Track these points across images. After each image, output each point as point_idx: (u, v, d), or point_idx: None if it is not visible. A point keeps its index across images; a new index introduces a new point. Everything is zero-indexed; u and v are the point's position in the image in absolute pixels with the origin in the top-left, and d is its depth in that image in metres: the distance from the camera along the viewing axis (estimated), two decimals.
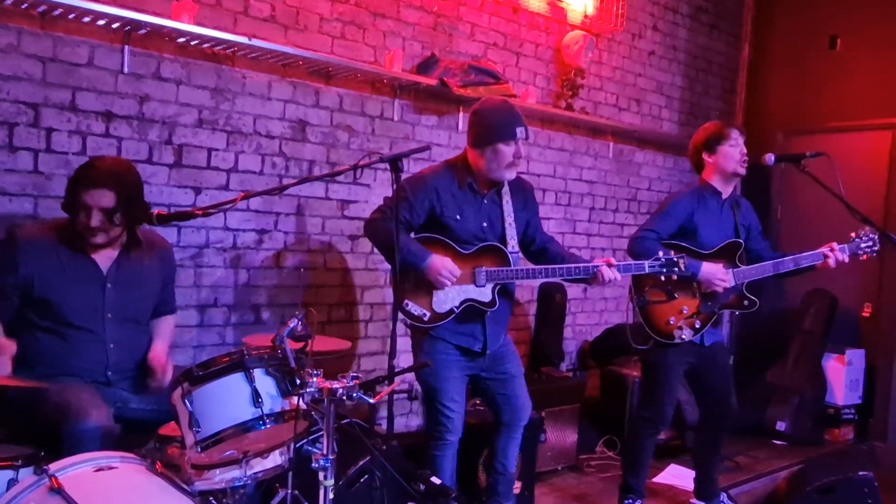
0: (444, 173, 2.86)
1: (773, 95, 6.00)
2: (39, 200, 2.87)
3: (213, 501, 2.16)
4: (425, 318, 2.78)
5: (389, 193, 2.57)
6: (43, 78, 2.86)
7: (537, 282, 4.64)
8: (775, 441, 5.05)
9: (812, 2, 5.80)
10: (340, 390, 1.92)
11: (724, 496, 3.64)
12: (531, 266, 2.94)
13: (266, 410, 1.97)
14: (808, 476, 3.59)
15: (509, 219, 2.89)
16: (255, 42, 3.21)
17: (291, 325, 2.02)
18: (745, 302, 3.31)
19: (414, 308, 2.78)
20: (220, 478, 2.07)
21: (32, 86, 2.84)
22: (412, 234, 2.83)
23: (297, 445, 2.14)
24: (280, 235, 3.54)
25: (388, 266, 3.68)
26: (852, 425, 5.28)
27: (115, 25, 2.94)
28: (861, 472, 3.41)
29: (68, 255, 2.49)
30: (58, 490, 1.77)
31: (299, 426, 2.02)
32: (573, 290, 4.87)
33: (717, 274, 3.18)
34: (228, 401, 1.98)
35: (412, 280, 2.76)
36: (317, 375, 1.96)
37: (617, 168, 5.22)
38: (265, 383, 2.01)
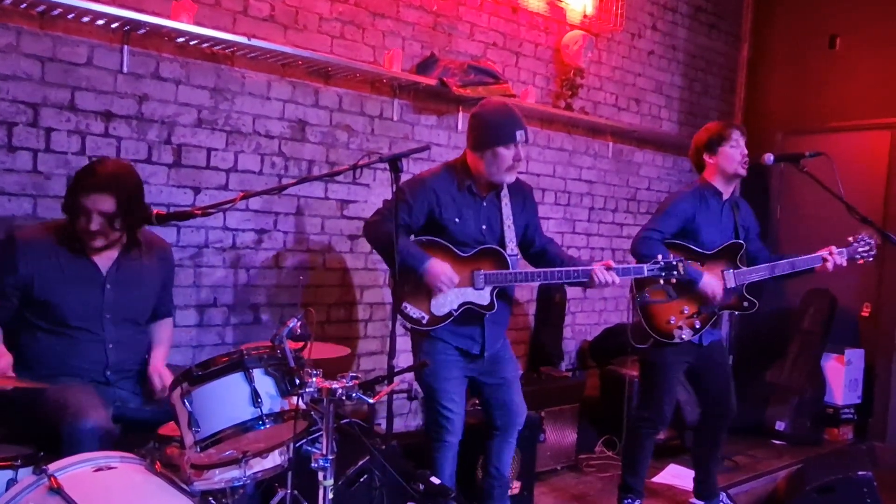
0: (443, 175, 2.86)
1: (772, 95, 6.00)
2: (39, 200, 2.87)
3: (213, 501, 2.16)
4: (424, 321, 2.79)
5: (389, 193, 2.57)
6: (42, 78, 2.86)
7: (535, 284, 4.64)
8: (774, 441, 5.05)
9: (812, 1, 5.80)
10: (340, 390, 1.93)
11: (723, 496, 3.64)
12: (529, 270, 2.94)
13: (265, 410, 1.97)
14: (808, 476, 3.60)
15: (508, 221, 2.89)
16: (255, 42, 3.21)
17: (291, 325, 2.02)
18: (745, 303, 3.32)
19: (412, 311, 2.79)
20: (219, 478, 2.06)
21: (31, 85, 2.84)
22: (411, 237, 2.83)
23: (297, 445, 2.14)
24: (279, 235, 3.54)
25: (387, 266, 3.68)
26: (851, 425, 5.28)
27: (114, 25, 2.94)
28: (860, 472, 3.42)
29: (68, 256, 2.49)
30: (57, 490, 1.77)
31: (299, 426, 2.02)
32: (573, 290, 4.87)
33: (716, 289, 3.19)
34: (228, 401, 1.98)
35: (411, 283, 2.76)
36: (316, 375, 1.96)
37: (616, 168, 5.22)
38: (264, 383, 2.00)
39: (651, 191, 5.50)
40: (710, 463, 3.55)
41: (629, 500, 3.45)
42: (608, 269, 2.79)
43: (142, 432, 2.32)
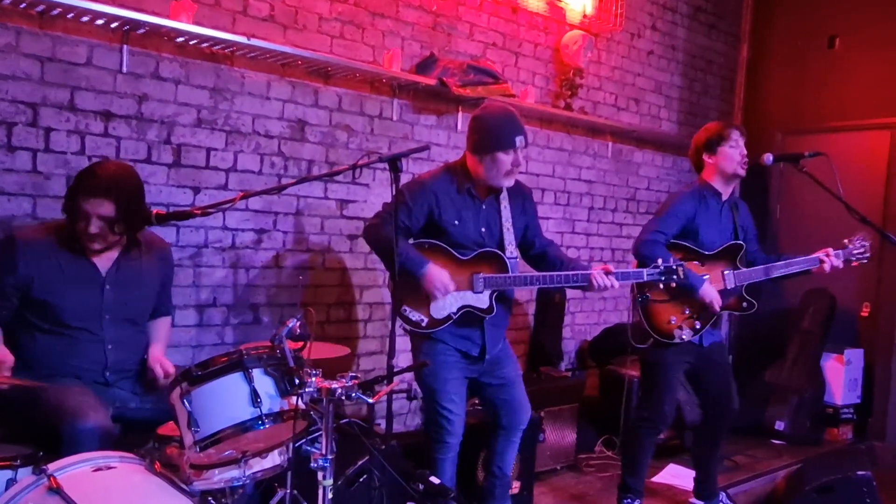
0: (443, 178, 2.86)
1: (771, 95, 6.00)
2: (38, 200, 2.87)
3: (212, 501, 2.16)
4: (423, 324, 2.79)
5: (388, 193, 2.56)
6: (41, 77, 2.86)
7: (534, 288, 4.64)
8: (774, 441, 5.05)
9: (811, 2, 5.80)
10: (339, 390, 1.93)
11: (723, 496, 3.64)
12: (529, 273, 2.94)
13: (265, 410, 1.97)
14: (807, 475, 3.60)
15: (507, 224, 2.89)
16: (254, 42, 3.21)
17: (290, 325, 2.02)
18: (744, 304, 3.32)
19: (412, 314, 2.79)
20: (218, 478, 2.06)
21: (31, 85, 2.83)
22: (411, 240, 2.83)
23: (296, 445, 2.14)
24: (279, 235, 3.54)
25: (386, 268, 3.68)
26: (851, 425, 5.28)
27: (113, 25, 2.94)
28: (860, 472, 3.42)
29: (67, 256, 2.48)
30: (56, 490, 1.77)
31: (298, 426, 2.02)
32: (572, 291, 4.84)
33: (714, 298, 3.19)
34: (227, 401, 1.98)
35: (410, 285, 2.76)
36: (315, 375, 1.96)
37: (616, 168, 5.22)
38: (264, 383, 2.01)
39: (650, 191, 5.50)
40: (710, 463, 3.55)
41: (629, 500, 3.45)
42: (607, 273, 2.79)
43: (141, 432, 2.33)
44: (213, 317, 3.35)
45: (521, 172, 2.96)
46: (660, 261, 2.89)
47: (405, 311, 2.78)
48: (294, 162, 3.56)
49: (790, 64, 5.88)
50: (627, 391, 4.26)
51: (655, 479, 4.10)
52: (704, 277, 3.22)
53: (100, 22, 2.90)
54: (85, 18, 2.87)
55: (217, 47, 3.23)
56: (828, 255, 3.28)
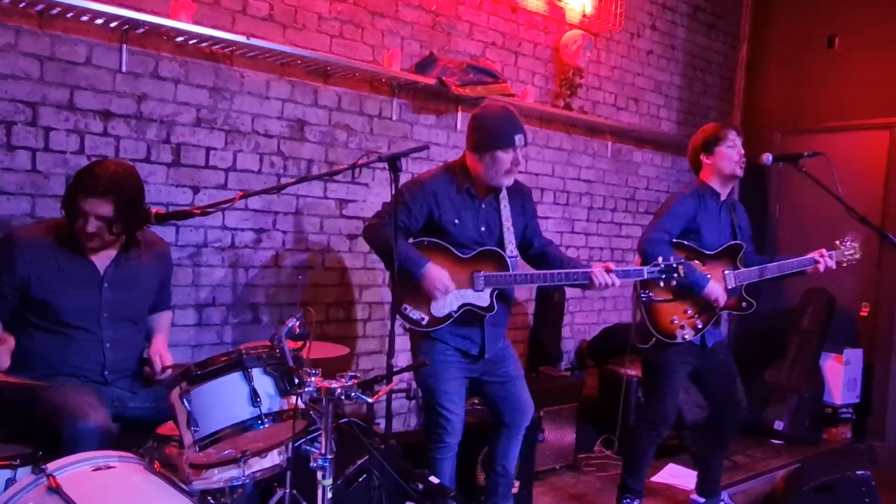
0: (442, 177, 2.86)
1: (771, 95, 6.00)
2: (37, 200, 2.87)
3: (212, 501, 2.16)
4: (423, 322, 2.79)
5: (387, 193, 2.56)
6: (41, 77, 2.85)
7: (535, 286, 4.64)
8: (773, 440, 5.06)
9: (810, 2, 5.80)
10: (339, 390, 1.93)
11: (724, 495, 3.64)
12: (529, 272, 2.94)
13: (264, 410, 1.97)
14: (806, 475, 3.61)
15: (507, 223, 2.89)
16: (254, 41, 3.20)
17: (290, 325, 2.02)
18: (744, 304, 3.33)
19: (412, 312, 2.79)
20: (218, 477, 2.06)
21: (30, 85, 2.83)
22: (410, 239, 2.83)
23: (296, 445, 2.14)
24: (278, 235, 3.54)
25: (386, 268, 3.67)
26: (850, 424, 5.28)
27: (112, 24, 2.93)
28: (858, 472, 3.42)
29: (66, 255, 2.48)
30: (56, 489, 1.77)
31: (297, 425, 2.02)
32: (571, 290, 4.87)
33: (720, 295, 3.20)
34: (227, 400, 1.98)
35: (410, 284, 2.76)
36: (315, 375, 1.96)
37: (615, 167, 5.22)
38: (263, 383, 2.01)
39: (650, 190, 5.50)
40: (715, 461, 3.55)
41: (628, 500, 3.45)
42: (608, 271, 2.79)
43: (140, 432, 2.33)
44: (213, 316, 3.35)
45: (520, 172, 2.96)
46: (660, 259, 2.89)
47: (405, 309, 2.78)
48: (293, 161, 3.56)
49: (789, 64, 5.88)
50: (626, 391, 4.26)
51: (655, 478, 4.10)
52: (707, 277, 3.22)
53: (99, 21, 2.90)
54: (84, 18, 2.87)
55: (216, 47, 3.23)
56: (822, 256, 3.30)
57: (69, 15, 2.84)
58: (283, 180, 3.46)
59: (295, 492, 2.30)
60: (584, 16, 4.82)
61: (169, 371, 2.56)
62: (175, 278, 3.03)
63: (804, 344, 5.30)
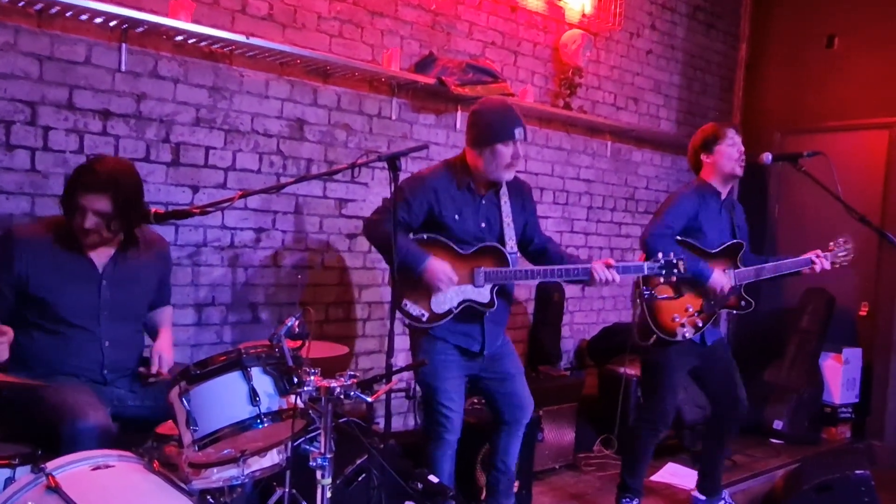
0: (442, 174, 2.86)
1: (770, 94, 6.00)
2: (36, 199, 2.87)
3: (211, 500, 2.16)
4: (424, 319, 2.78)
5: (387, 192, 2.56)
6: (40, 76, 2.85)
7: (535, 282, 4.64)
8: (772, 440, 5.06)
9: (810, 1, 5.80)
10: (338, 389, 1.92)
11: (725, 494, 3.64)
12: (530, 267, 2.94)
13: (263, 409, 1.97)
14: (805, 475, 3.61)
15: (507, 219, 2.89)
16: (253, 40, 3.20)
17: (289, 324, 2.02)
18: (743, 302, 3.34)
19: (412, 308, 2.78)
20: (217, 476, 2.06)
21: (29, 84, 2.83)
22: (411, 235, 2.83)
23: (295, 444, 2.14)
24: (278, 234, 3.54)
25: (386, 264, 3.67)
26: (849, 424, 5.29)
27: (112, 23, 2.93)
28: (858, 471, 3.42)
29: (64, 253, 2.48)
30: (55, 489, 1.76)
31: (297, 425, 2.02)
32: (571, 290, 4.87)
33: (724, 284, 3.21)
34: (226, 399, 1.98)
35: (411, 280, 2.76)
36: (314, 374, 1.96)
37: (615, 167, 5.22)
38: (263, 382, 2.00)
39: (649, 190, 5.50)
40: (716, 460, 3.56)
41: (627, 500, 3.45)
42: (608, 266, 2.79)
43: (140, 431, 2.33)
44: (212, 316, 3.35)
45: (519, 171, 2.96)
46: (660, 255, 2.89)
47: (405, 305, 2.78)
48: (293, 161, 3.55)
49: (789, 63, 5.88)
50: (626, 390, 4.26)
51: (654, 477, 4.10)
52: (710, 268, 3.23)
53: (98, 20, 2.90)
54: (83, 17, 2.87)
55: (216, 46, 3.22)
56: (819, 257, 3.32)
57: (68, 14, 2.84)
58: (283, 180, 3.46)
59: (294, 491, 2.30)
60: (584, 15, 4.82)
61: (161, 376, 2.55)
62: (174, 278, 3.02)
63: (803, 343, 5.31)
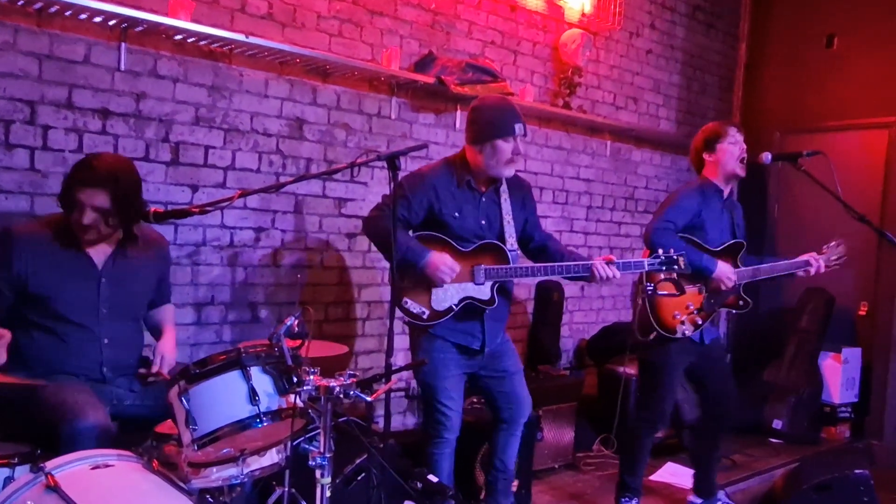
0: (442, 171, 2.86)
1: (770, 94, 6.00)
2: (36, 198, 2.87)
3: (210, 499, 2.16)
4: (424, 316, 2.78)
5: (387, 191, 2.56)
6: (39, 75, 2.85)
7: (536, 279, 4.64)
8: (772, 439, 5.06)
9: (809, 1, 5.81)
10: (337, 388, 1.92)
11: (722, 494, 3.64)
12: (530, 264, 2.94)
13: (263, 408, 1.97)
14: (805, 474, 3.61)
15: (508, 217, 2.89)
16: (253, 40, 3.20)
17: (288, 323, 2.02)
18: (741, 302, 3.35)
19: (413, 306, 2.78)
20: (216, 476, 2.06)
21: (29, 83, 2.83)
22: (410, 232, 2.83)
23: (294, 443, 2.14)
24: (277, 233, 3.54)
25: (385, 264, 3.68)
26: (848, 423, 5.29)
27: (111, 23, 2.93)
28: (857, 471, 3.42)
29: (63, 250, 2.48)
30: (54, 488, 1.76)
31: (296, 424, 2.02)
32: (571, 289, 4.87)
33: (729, 275, 3.22)
34: (225, 399, 1.98)
35: (411, 278, 2.75)
36: (314, 373, 1.96)
37: (614, 166, 5.22)
38: (262, 381, 2.00)
39: (649, 189, 5.51)
40: (709, 461, 3.55)
41: (627, 499, 3.45)
42: (609, 263, 2.79)
43: (139, 430, 2.32)
44: (211, 315, 3.35)
45: (519, 170, 2.96)
46: (661, 251, 2.89)
47: (406, 303, 2.78)
48: (292, 160, 3.55)
49: (788, 63, 5.88)
50: (625, 390, 4.26)
51: (653, 477, 4.10)
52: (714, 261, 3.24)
53: (98, 19, 2.90)
54: (83, 16, 2.86)
55: (215, 45, 3.22)
56: (815, 259, 3.35)
57: (67, 13, 2.84)
58: (282, 179, 3.46)
59: (294, 490, 2.30)
60: (584, 15, 4.82)
61: (160, 376, 2.55)
62: (174, 277, 3.02)
63: (803, 343, 5.31)
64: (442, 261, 2.71)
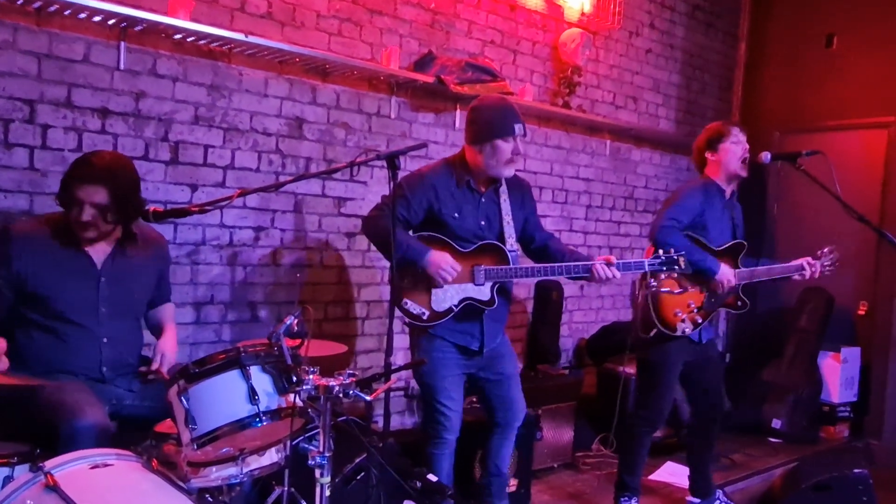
0: (442, 171, 2.86)
1: (769, 94, 6.00)
2: (35, 197, 2.86)
3: (210, 499, 2.16)
4: (424, 317, 2.78)
5: (386, 191, 2.56)
6: (38, 74, 2.85)
7: (535, 279, 4.64)
8: (771, 439, 5.06)
9: (809, 1, 5.81)
10: (337, 388, 1.92)
11: (720, 493, 3.65)
12: (530, 265, 2.95)
13: (262, 408, 1.97)
14: (804, 474, 3.61)
15: (507, 217, 2.89)
16: (252, 39, 3.20)
17: (288, 323, 2.02)
18: (739, 303, 3.37)
19: (413, 307, 2.78)
20: (216, 475, 2.06)
21: (28, 82, 2.83)
22: (410, 233, 2.83)
23: (294, 443, 2.14)
24: (277, 233, 3.54)
25: (385, 263, 3.67)
26: (848, 423, 5.29)
27: (111, 22, 2.93)
28: (856, 470, 3.43)
29: (62, 249, 2.48)
30: (53, 487, 1.76)
31: (296, 423, 2.02)
32: (570, 289, 4.87)
33: (730, 278, 3.24)
34: (225, 398, 1.98)
35: (411, 278, 2.76)
36: (313, 373, 1.96)
37: (614, 166, 5.22)
38: (261, 381, 2.00)
39: (648, 189, 5.51)
40: (705, 460, 3.56)
41: (626, 498, 3.46)
42: (609, 264, 2.79)
43: (138, 430, 2.33)
44: (211, 314, 3.35)
45: (519, 170, 2.96)
46: (660, 251, 2.89)
47: (406, 304, 2.78)
48: (292, 159, 3.55)
49: (788, 63, 5.88)
50: (624, 389, 4.26)
51: (652, 476, 4.10)
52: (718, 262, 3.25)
53: (97, 19, 2.90)
54: (82, 15, 2.86)
55: (215, 44, 3.22)
56: (809, 264, 3.37)
57: (67, 12, 2.83)
58: (282, 178, 3.45)
59: (293, 490, 2.30)
60: (583, 14, 4.81)
61: (160, 374, 2.55)
62: (173, 276, 3.02)
63: (802, 343, 5.31)
64: (444, 259, 2.72)
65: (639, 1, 5.26)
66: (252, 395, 1.97)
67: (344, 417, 2.57)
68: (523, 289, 4.67)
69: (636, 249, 5.39)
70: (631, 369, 4.21)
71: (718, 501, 3.60)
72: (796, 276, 3.40)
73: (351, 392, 1.94)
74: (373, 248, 3.37)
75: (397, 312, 2.71)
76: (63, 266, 2.47)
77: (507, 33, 4.46)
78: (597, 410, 4.48)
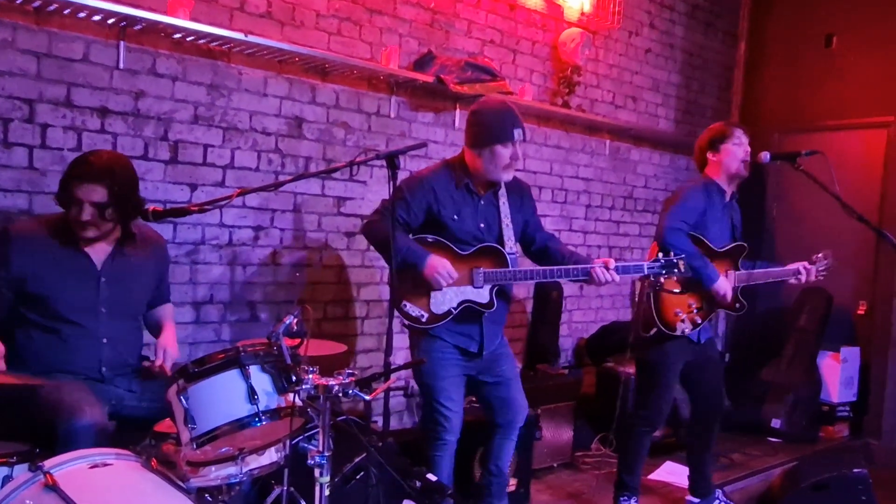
0: (442, 173, 2.86)
1: (768, 93, 6.01)
2: (34, 197, 2.86)
3: (209, 498, 2.16)
4: (423, 319, 2.78)
5: (386, 190, 2.56)
6: (38, 74, 2.85)
7: (534, 282, 4.64)
8: (770, 438, 5.06)
9: (808, 0, 5.81)
10: (336, 387, 1.92)
11: (719, 493, 3.65)
12: (529, 268, 2.94)
13: (262, 407, 1.97)
14: (803, 473, 3.61)
15: (506, 220, 2.89)
16: (252, 38, 3.20)
17: (287, 322, 2.01)
18: (737, 304, 3.38)
19: (412, 309, 2.78)
20: (215, 475, 2.06)
21: (27, 81, 2.83)
22: (410, 235, 2.83)
23: (293, 442, 2.14)
24: (276, 232, 3.54)
25: (384, 263, 3.67)
26: (847, 423, 5.29)
27: (110, 21, 2.93)
28: (855, 470, 3.43)
29: (62, 249, 2.48)
30: (53, 487, 1.76)
31: (295, 423, 2.02)
32: (569, 288, 4.88)
33: (727, 291, 3.24)
34: (224, 398, 1.97)
35: (410, 280, 2.75)
36: (312, 372, 1.96)
37: (613, 166, 5.22)
38: (261, 380, 2.00)
39: (648, 189, 5.51)
40: (704, 460, 3.56)
41: (625, 498, 3.46)
42: (607, 268, 2.79)
43: (138, 429, 2.32)
44: (210, 314, 3.35)
45: (518, 170, 2.96)
46: (660, 255, 2.89)
47: (405, 306, 2.78)
48: (291, 159, 3.55)
49: (787, 62, 5.88)
50: (624, 389, 4.26)
51: (652, 476, 4.10)
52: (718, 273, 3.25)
53: (96, 18, 2.89)
54: (81, 14, 2.86)
55: (214, 44, 3.22)
56: (805, 269, 3.39)
57: (66, 11, 2.83)
58: (281, 178, 3.45)
59: (292, 489, 2.30)
60: (583, 14, 4.82)
61: (163, 370, 2.55)
62: (172, 276, 3.02)
63: (801, 342, 5.31)
64: (441, 264, 2.71)
65: (638, 0, 5.26)
66: (251, 394, 1.97)
67: (343, 417, 2.58)
68: (523, 288, 4.67)
69: (635, 249, 5.39)
70: (630, 369, 4.22)
71: (718, 501, 3.61)
72: (792, 280, 3.42)
73: (350, 391, 1.94)
74: (372, 247, 3.37)
75: (396, 313, 2.71)
76: (63, 266, 2.47)
77: (507, 33, 4.46)
78: (596, 410, 4.49)
